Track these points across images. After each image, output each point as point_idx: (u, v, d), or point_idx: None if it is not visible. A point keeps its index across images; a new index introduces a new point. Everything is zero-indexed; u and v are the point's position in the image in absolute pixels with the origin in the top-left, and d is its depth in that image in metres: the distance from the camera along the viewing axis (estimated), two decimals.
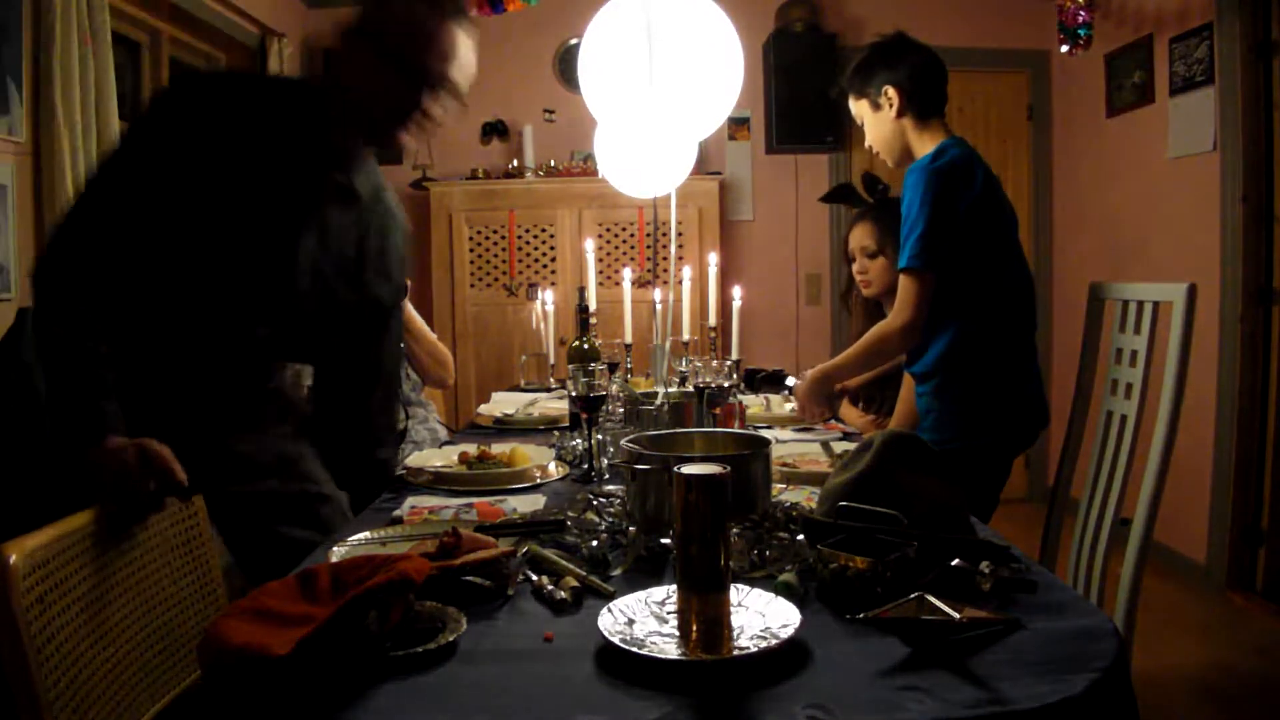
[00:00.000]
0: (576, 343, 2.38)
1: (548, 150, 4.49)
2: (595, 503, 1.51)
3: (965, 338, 2.13)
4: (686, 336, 2.70)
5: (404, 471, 1.93)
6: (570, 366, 1.88)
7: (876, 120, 2.23)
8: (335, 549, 1.41)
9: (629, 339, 2.50)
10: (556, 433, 2.18)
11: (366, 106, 1.57)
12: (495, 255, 4.37)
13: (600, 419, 1.86)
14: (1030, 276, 2.22)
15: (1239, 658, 2.94)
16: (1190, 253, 3.64)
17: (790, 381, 2.45)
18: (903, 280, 2.11)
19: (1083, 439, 2.03)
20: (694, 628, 1.03)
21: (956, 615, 1.01)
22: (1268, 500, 3.36)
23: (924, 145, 2.17)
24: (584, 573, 1.22)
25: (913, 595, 1.06)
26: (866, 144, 2.30)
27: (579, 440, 1.97)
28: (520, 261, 4.36)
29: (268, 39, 4.01)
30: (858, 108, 2.27)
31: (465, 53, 1.58)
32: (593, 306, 2.46)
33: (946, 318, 2.14)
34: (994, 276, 2.13)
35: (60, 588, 1.22)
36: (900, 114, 2.17)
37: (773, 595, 1.10)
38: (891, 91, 2.16)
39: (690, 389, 2.05)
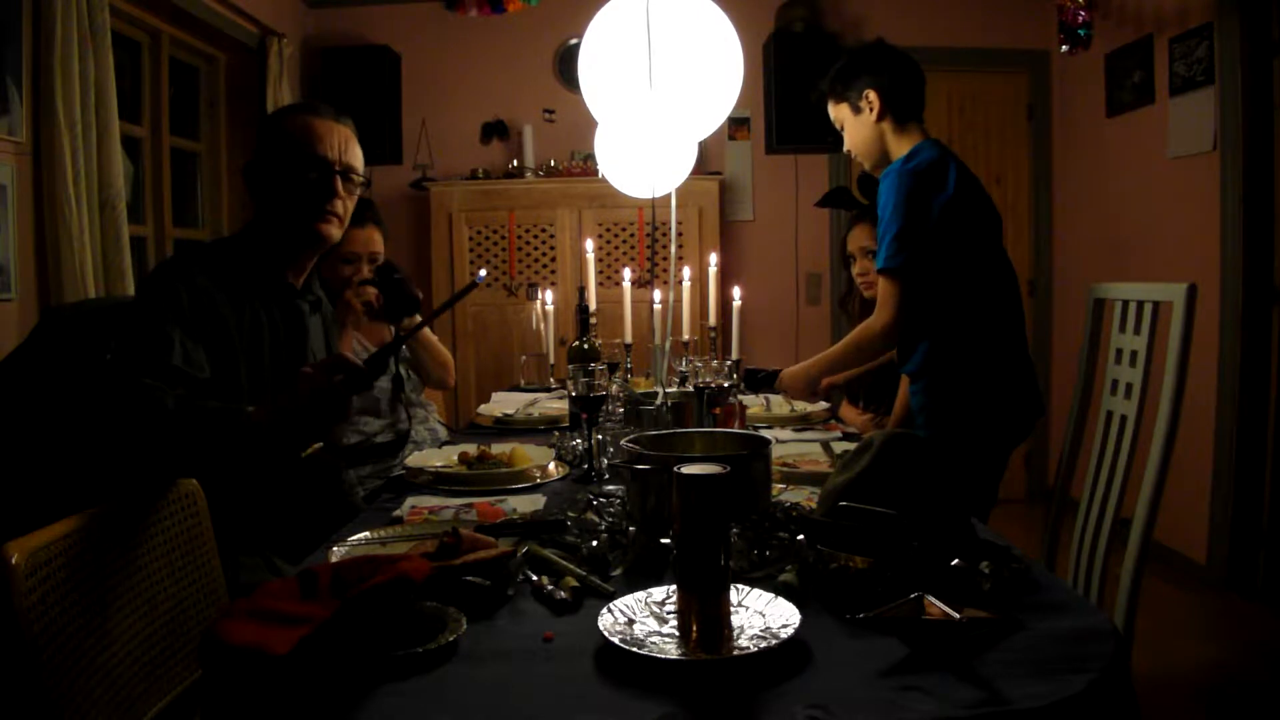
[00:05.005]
0: (576, 343, 2.38)
1: (548, 150, 4.49)
2: (595, 503, 1.51)
3: (951, 334, 2.16)
4: (686, 336, 2.70)
5: (404, 471, 1.93)
6: (570, 366, 1.88)
7: (856, 124, 2.27)
8: (335, 549, 1.42)
9: (629, 339, 2.50)
10: (556, 433, 2.18)
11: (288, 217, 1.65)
12: (495, 255, 4.37)
13: (600, 419, 1.87)
14: (1013, 271, 2.26)
15: (1239, 658, 2.94)
16: (1190, 253, 3.63)
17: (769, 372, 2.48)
18: (881, 282, 2.16)
19: (1083, 439, 2.03)
20: (694, 628, 1.03)
21: (956, 615, 1.01)
22: (1267, 500, 3.36)
23: (901, 148, 2.22)
24: (584, 573, 1.22)
25: (913, 595, 1.06)
26: (845, 149, 2.34)
27: (579, 440, 1.97)
28: (520, 261, 4.36)
29: (268, 39, 4.01)
30: (837, 112, 2.31)
31: (353, 144, 1.70)
32: (593, 306, 2.46)
33: (932, 315, 2.17)
34: (976, 273, 2.15)
35: (62, 588, 1.22)
36: (880, 117, 2.22)
37: (773, 595, 1.10)
38: (872, 95, 2.21)
39: (690, 389, 2.05)
